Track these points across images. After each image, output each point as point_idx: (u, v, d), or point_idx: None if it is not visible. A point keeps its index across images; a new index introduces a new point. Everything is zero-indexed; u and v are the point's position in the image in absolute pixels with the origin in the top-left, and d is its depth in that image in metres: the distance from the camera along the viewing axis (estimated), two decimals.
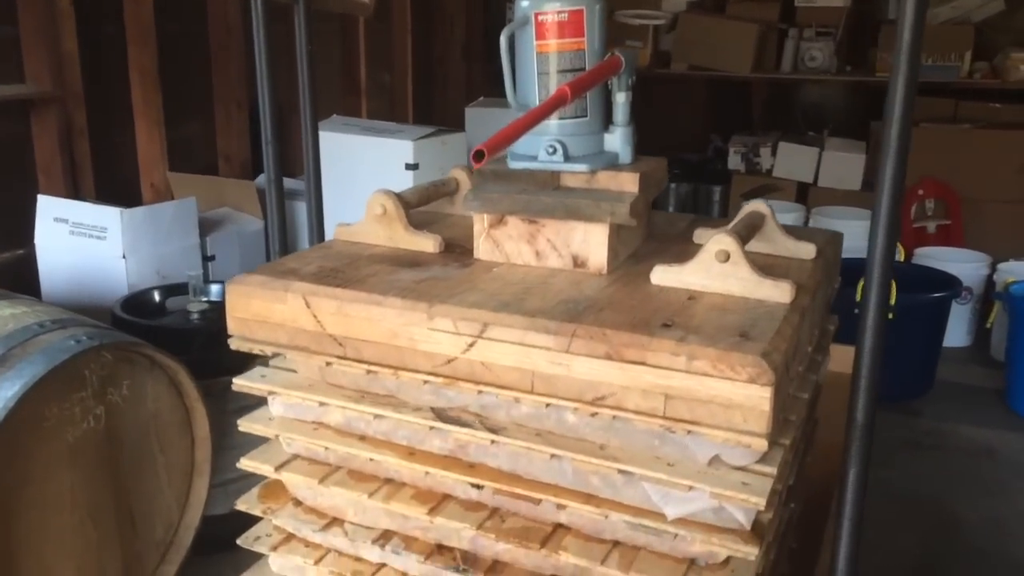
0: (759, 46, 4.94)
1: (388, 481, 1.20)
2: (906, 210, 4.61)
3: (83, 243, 2.79)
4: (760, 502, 0.96)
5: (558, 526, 1.12)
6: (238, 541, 1.29)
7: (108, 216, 2.74)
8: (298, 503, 1.26)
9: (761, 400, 0.93)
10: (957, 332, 4.06)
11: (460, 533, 1.16)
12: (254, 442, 1.26)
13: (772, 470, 1.00)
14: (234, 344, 1.19)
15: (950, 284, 3.59)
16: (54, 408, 1.85)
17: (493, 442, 1.08)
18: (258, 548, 1.27)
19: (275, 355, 1.21)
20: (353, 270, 1.18)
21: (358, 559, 1.24)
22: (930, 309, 3.54)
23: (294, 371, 1.23)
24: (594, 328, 1.00)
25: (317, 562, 1.24)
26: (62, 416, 1.86)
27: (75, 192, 3.07)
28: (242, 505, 1.26)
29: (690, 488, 1.00)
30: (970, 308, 4.14)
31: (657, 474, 1.01)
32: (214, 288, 2.66)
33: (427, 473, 1.14)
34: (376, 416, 1.14)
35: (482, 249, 1.24)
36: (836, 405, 1.84)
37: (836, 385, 1.90)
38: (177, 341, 2.20)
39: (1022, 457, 3.19)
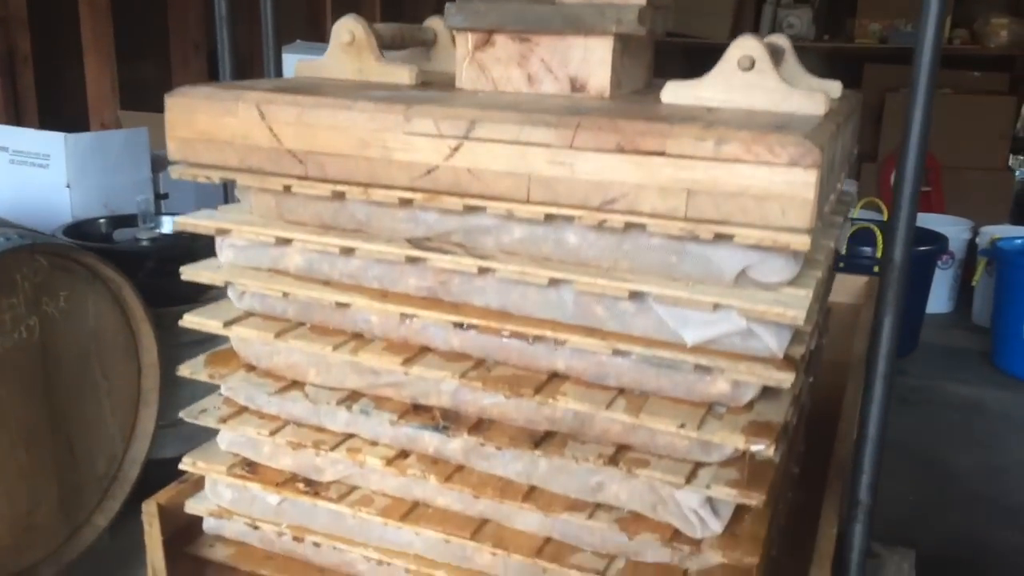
0: (737, 13, 4.85)
1: (356, 336, 1.03)
2: (886, 177, 4.53)
3: (24, 172, 2.59)
4: (799, 316, 0.81)
5: (554, 376, 0.96)
6: (181, 414, 1.11)
7: (51, 142, 2.53)
8: (251, 368, 1.09)
9: (804, 187, 0.78)
10: (939, 298, 3.98)
11: (440, 387, 1.00)
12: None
13: (806, 292, 0.86)
14: (175, 172, 1.02)
15: (934, 240, 3.50)
16: None
17: (481, 271, 0.92)
18: (204, 421, 1.10)
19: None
20: (315, 89, 1.01)
21: (320, 429, 1.07)
22: (915, 265, 3.44)
23: (248, 213, 1.06)
24: (603, 119, 0.84)
25: (273, 433, 1.07)
26: None
27: (17, 125, 2.86)
28: (185, 370, 1.09)
29: (715, 307, 0.85)
30: (952, 273, 4.06)
31: (675, 292, 0.86)
32: (165, 220, 2.48)
33: (402, 317, 0.98)
34: (343, 251, 0.98)
35: (465, 76, 1.08)
36: (838, 330, 1.72)
37: (838, 310, 1.78)
38: (124, 265, 2.01)
39: (1013, 411, 3.10)
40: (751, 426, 0.88)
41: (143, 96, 3.47)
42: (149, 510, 1.14)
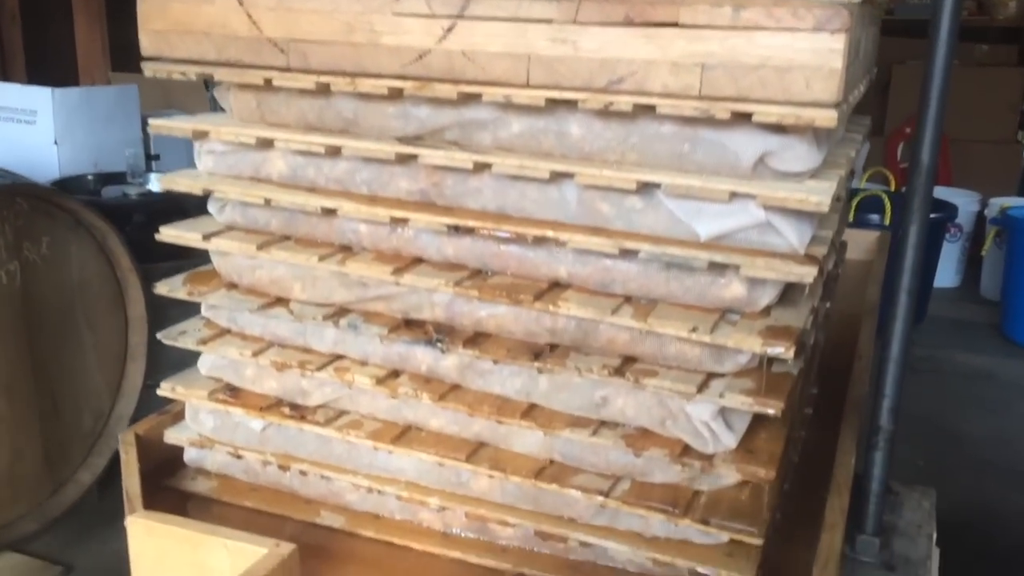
0: None
1: (344, 249, 0.97)
2: (892, 149, 4.46)
3: (11, 130, 2.52)
4: (823, 202, 0.75)
5: (555, 285, 0.89)
6: (159, 335, 1.05)
7: (38, 97, 2.47)
8: (233, 286, 1.03)
9: (831, 55, 0.71)
10: (947, 272, 3.91)
11: (433, 298, 0.93)
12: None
13: (830, 184, 0.79)
14: (148, 69, 0.95)
15: (942, 209, 3.43)
16: None
17: (477, 168, 0.86)
18: (183, 343, 1.03)
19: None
20: None
21: (306, 350, 1.00)
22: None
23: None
24: None
25: (256, 355, 1.00)
26: None
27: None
28: (163, 288, 1.02)
29: (731, 196, 0.78)
30: (959, 247, 3.99)
31: (688, 181, 0.79)
32: (155, 177, 2.41)
33: (393, 224, 0.91)
34: (329, 152, 0.91)
35: None
36: (850, 285, 1.66)
37: (849, 267, 1.72)
38: (111, 219, 1.93)
39: (1022, 380, 3.04)
40: (768, 331, 0.81)
41: (135, 59, 3.40)
42: (126, 439, 1.07)
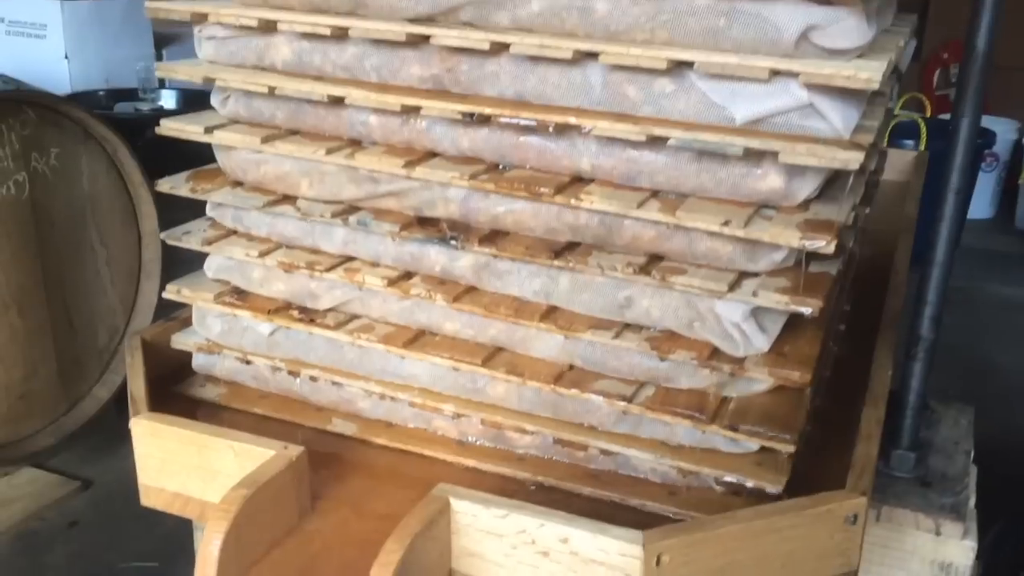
0: None
1: (353, 144, 0.91)
2: (929, 75, 4.31)
3: (21, 44, 2.46)
4: (872, 79, 0.68)
5: (576, 179, 0.84)
6: (162, 235, 1.00)
7: (48, 10, 2.40)
8: (237, 184, 0.98)
9: None
10: (981, 203, 3.80)
11: (447, 194, 0.88)
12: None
13: (880, 63, 0.72)
14: None
15: (979, 135, 3.31)
16: None
17: (494, 48, 0.79)
18: (187, 243, 0.99)
19: None
20: None
21: (315, 251, 0.96)
22: None
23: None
24: None
25: (263, 255, 0.96)
26: None
27: None
28: (164, 186, 0.97)
29: (771, 75, 0.71)
30: (995, 176, 3.87)
31: (724, 59, 0.72)
32: (167, 94, 2.35)
33: (404, 114, 0.86)
34: (336, 35, 0.85)
35: None
36: (886, 205, 1.58)
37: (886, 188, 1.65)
38: (123, 133, 1.87)
39: None
40: (807, 224, 0.75)
41: None
42: (132, 344, 1.04)
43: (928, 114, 3.61)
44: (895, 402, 1.05)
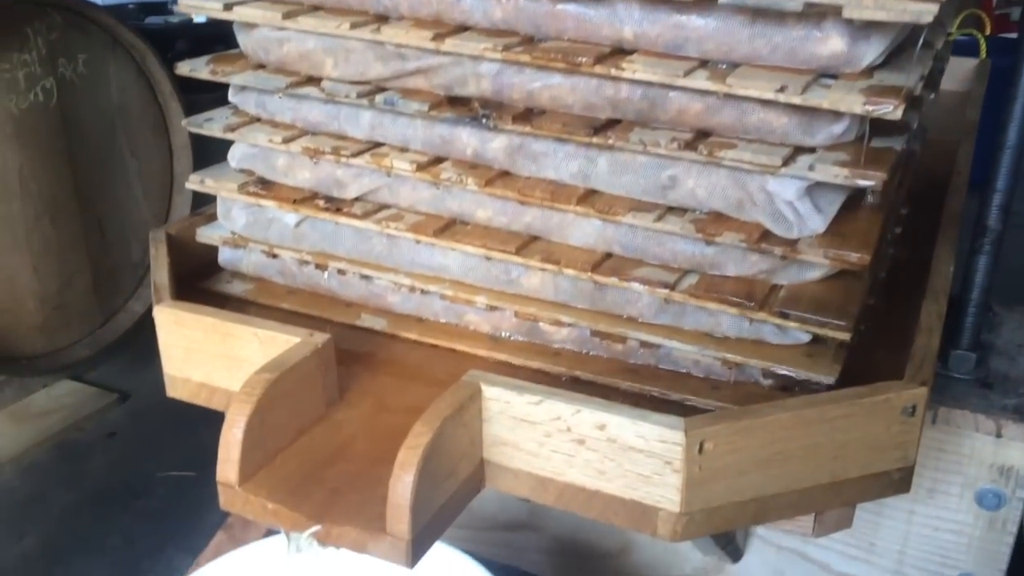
0: None
1: (380, 19, 0.86)
2: None
3: None
4: None
5: (617, 51, 0.78)
6: (183, 122, 0.96)
7: None
8: (260, 67, 0.93)
9: None
10: None
11: (479, 69, 0.82)
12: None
13: None
14: None
15: None
16: None
17: None
18: (208, 130, 0.95)
19: None
20: None
21: (341, 136, 0.91)
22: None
23: None
24: None
25: (288, 141, 0.92)
26: (1, 77, 1.54)
27: None
28: (184, 68, 0.93)
29: None
30: None
31: None
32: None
33: None
34: None
35: None
36: (945, 117, 1.50)
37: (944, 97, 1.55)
38: (153, 45, 1.83)
39: None
40: (871, 89, 0.69)
41: None
42: (156, 237, 1.01)
43: (988, 32, 3.45)
44: (955, 302, 0.99)
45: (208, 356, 0.86)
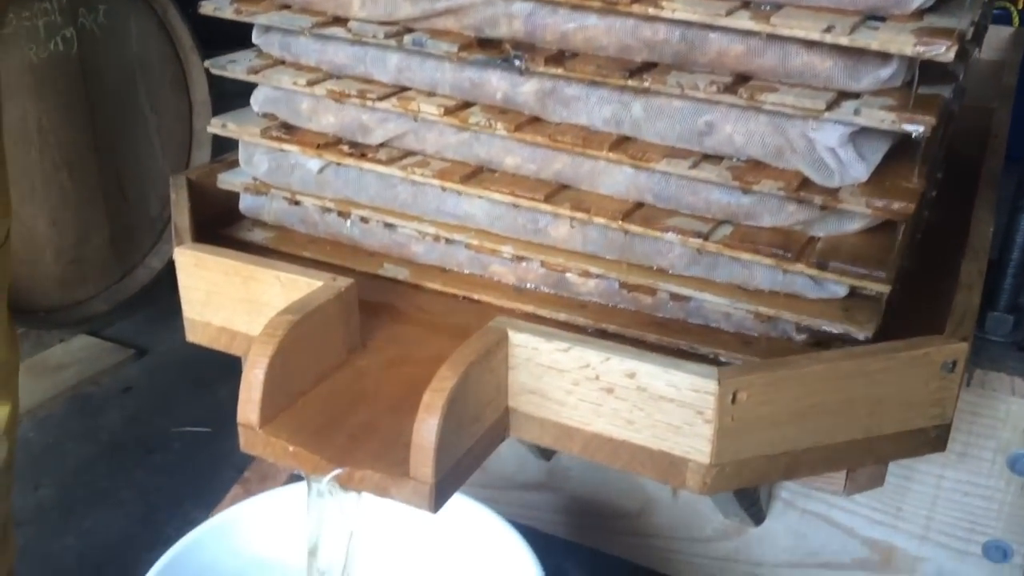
0: None
1: None
2: None
3: None
4: None
5: None
6: (206, 64, 0.95)
7: None
8: (285, 7, 0.91)
9: None
10: None
11: (511, 9, 0.80)
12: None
13: None
14: None
15: None
16: (9, 14, 1.50)
17: None
18: (232, 72, 0.93)
19: None
20: None
21: (367, 80, 0.89)
22: None
23: None
24: None
25: (312, 84, 0.89)
26: (20, 26, 1.52)
27: None
28: (208, 8, 0.91)
29: None
30: None
31: None
32: None
33: None
34: None
35: None
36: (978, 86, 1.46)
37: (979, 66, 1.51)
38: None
39: None
40: (921, 31, 0.66)
41: None
42: (177, 182, 0.99)
43: (1021, 5, 3.38)
44: (993, 265, 0.96)
45: (229, 300, 0.85)
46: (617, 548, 1.18)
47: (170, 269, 1.88)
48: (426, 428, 0.65)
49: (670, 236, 0.78)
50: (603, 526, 1.18)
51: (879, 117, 0.67)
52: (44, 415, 1.69)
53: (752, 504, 0.99)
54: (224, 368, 1.84)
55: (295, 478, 1.15)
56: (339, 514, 0.73)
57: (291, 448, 0.70)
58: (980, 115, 1.36)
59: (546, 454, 1.17)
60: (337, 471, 0.68)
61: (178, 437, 1.65)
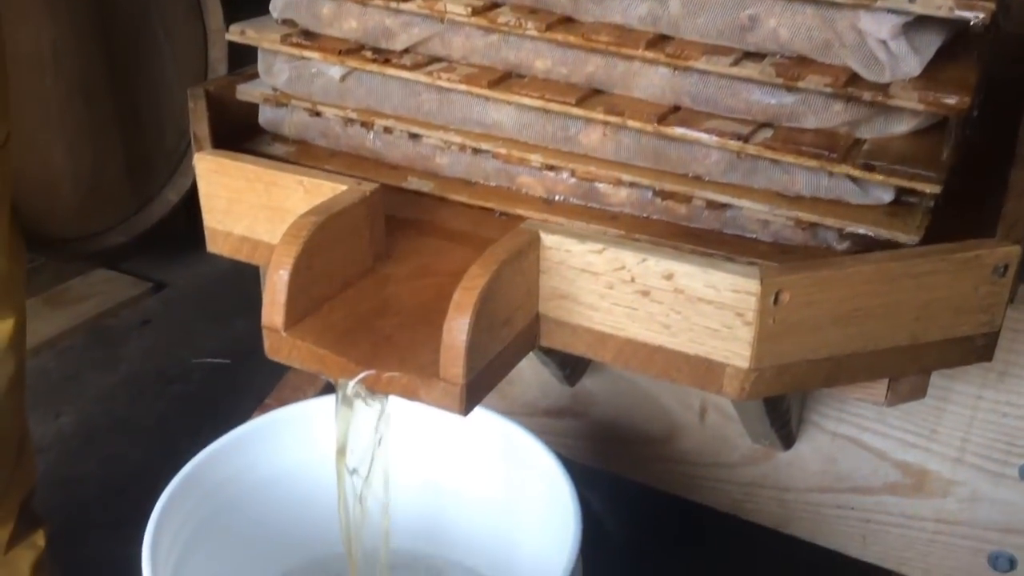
0: None
1: None
2: None
3: None
4: None
5: None
6: None
7: None
8: None
9: None
10: None
11: None
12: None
13: None
14: None
15: None
16: None
17: None
18: None
19: None
20: None
21: None
22: None
23: None
24: None
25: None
26: None
27: None
28: None
29: None
30: None
31: None
32: None
33: None
34: None
35: None
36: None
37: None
38: None
39: None
40: None
41: None
42: (195, 93, 0.97)
43: None
44: None
45: (250, 207, 0.83)
46: (641, 474, 1.17)
47: (187, 203, 1.87)
48: (457, 327, 0.63)
49: (708, 138, 0.75)
50: (627, 452, 1.17)
51: (936, 4, 0.64)
52: (63, 346, 1.69)
53: (783, 426, 0.97)
54: (241, 302, 1.83)
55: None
56: (367, 420, 0.71)
57: (318, 351, 0.68)
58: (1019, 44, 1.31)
59: (570, 379, 1.15)
60: (365, 373, 0.67)
61: (197, 369, 1.64)
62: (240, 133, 1.01)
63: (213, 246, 0.88)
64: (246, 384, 1.54)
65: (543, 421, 1.22)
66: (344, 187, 0.76)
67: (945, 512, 0.99)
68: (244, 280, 1.86)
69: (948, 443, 0.96)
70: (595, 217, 0.85)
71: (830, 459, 1.03)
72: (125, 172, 1.75)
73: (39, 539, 1.01)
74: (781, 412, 0.93)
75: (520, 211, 0.87)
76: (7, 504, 0.95)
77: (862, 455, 1.01)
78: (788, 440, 1.02)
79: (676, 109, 0.78)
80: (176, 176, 1.85)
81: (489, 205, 0.88)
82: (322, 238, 0.71)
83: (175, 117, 1.83)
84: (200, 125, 0.90)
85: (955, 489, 0.97)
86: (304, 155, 0.98)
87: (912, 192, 0.72)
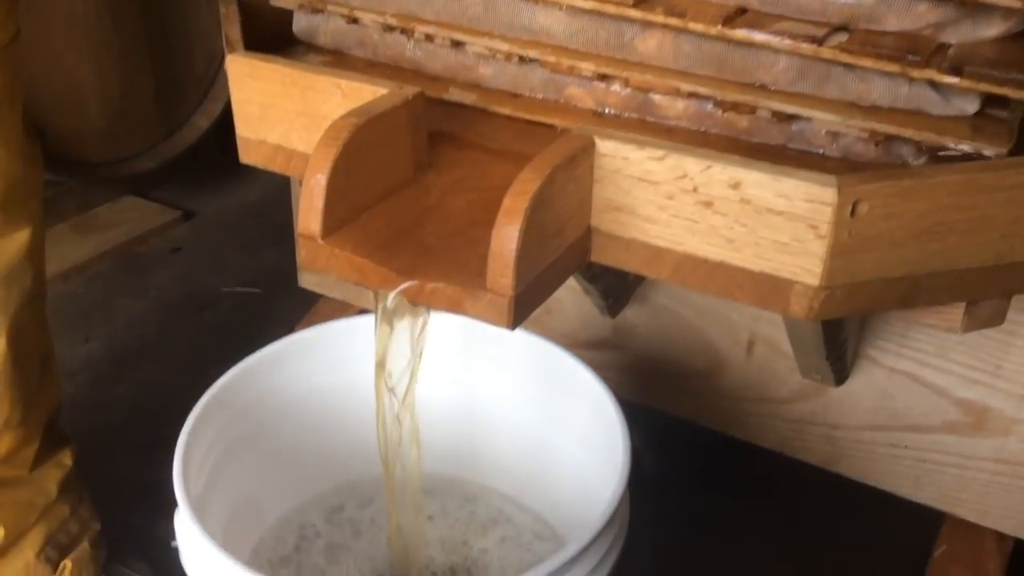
0: None
1: None
2: None
3: None
4: None
5: None
6: None
7: None
8: None
9: None
10: None
11: None
12: None
13: None
14: None
15: None
16: None
17: None
18: None
19: None
20: None
21: None
22: None
23: None
24: None
25: None
26: None
27: None
28: None
29: None
30: None
31: None
32: None
33: None
34: None
35: None
36: None
37: None
38: None
39: None
40: None
41: None
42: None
43: None
44: None
45: (285, 114, 0.78)
46: (684, 410, 1.13)
47: (216, 129, 1.83)
48: (506, 234, 0.58)
49: (778, 42, 0.69)
50: (670, 386, 1.13)
51: None
52: (92, 272, 1.67)
53: (838, 358, 0.92)
54: (272, 232, 1.80)
55: None
56: (408, 334, 0.68)
57: (356, 260, 0.65)
58: None
59: (612, 309, 1.11)
60: (407, 284, 0.63)
61: (228, 296, 1.62)
62: (273, 43, 0.96)
63: (246, 156, 0.84)
64: (277, 313, 1.52)
65: (583, 353, 1.16)
66: (385, 90, 0.72)
67: (1006, 452, 0.94)
68: (274, 209, 1.83)
69: (1014, 380, 0.91)
70: (649, 131, 0.79)
71: (886, 395, 0.99)
72: (154, 96, 1.71)
73: (66, 458, 0.99)
74: (839, 343, 0.89)
75: (569, 124, 0.82)
76: (32, 422, 0.93)
77: (921, 392, 0.97)
78: (842, 374, 0.98)
79: (742, 12, 0.72)
80: (206, 102, 1.81)
81: (535, 118, 0.83)
82: (362, 141, 0.67)
83: (205, 40, 1.78)
84: (232, 28, 0.86)
85: (1018, 428, 0.93)
86: (340, 66, 0.92)
87: (999, 102, 0.67)
